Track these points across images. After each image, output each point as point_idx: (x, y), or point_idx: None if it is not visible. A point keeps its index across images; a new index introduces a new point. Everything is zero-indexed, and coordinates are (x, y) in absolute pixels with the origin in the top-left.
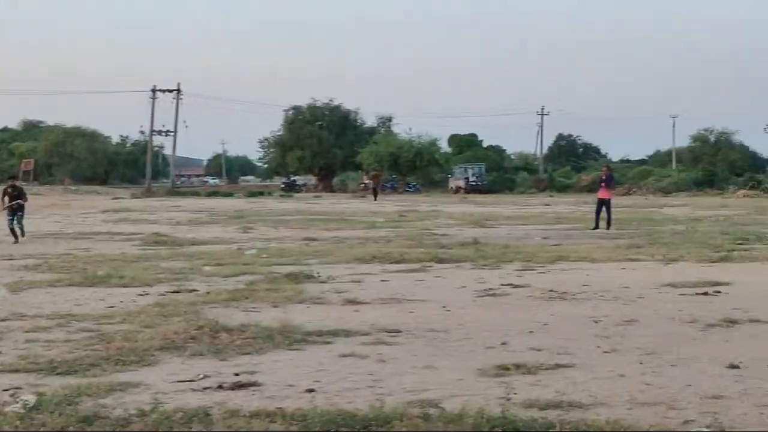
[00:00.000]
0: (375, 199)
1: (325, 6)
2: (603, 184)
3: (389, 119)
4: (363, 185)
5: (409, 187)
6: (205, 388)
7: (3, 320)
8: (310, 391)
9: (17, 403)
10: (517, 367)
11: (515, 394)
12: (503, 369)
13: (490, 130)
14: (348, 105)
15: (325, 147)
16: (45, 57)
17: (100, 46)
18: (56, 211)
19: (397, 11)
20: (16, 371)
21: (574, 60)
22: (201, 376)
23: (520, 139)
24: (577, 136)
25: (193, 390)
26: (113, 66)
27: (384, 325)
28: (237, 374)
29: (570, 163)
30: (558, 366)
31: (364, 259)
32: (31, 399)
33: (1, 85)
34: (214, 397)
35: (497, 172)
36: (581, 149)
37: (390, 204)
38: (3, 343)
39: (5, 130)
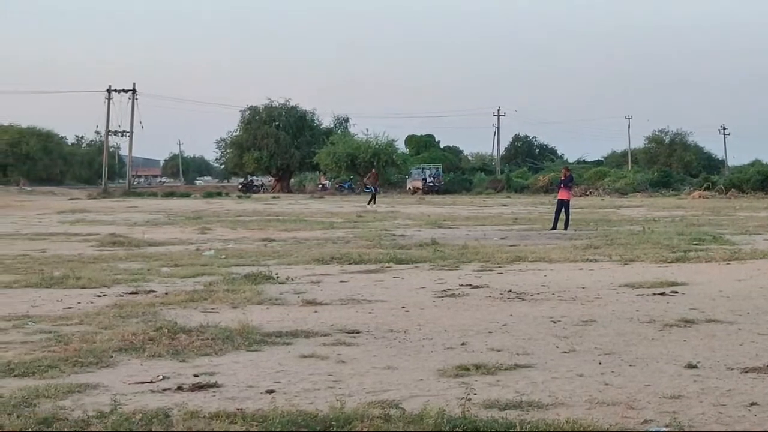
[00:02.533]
0: (375, 203)
1: (282, 6)
2: (562, 185)
3: (346, 120)
4: (321, 185)
5: (367, 188)
6: (165, 390)
7: None
8: (271, 392)
9: None
10: (477, 367)
11: (475, 394)
12: (463, 369)
13: (447, 131)
14: (304, 105)
15: (282, 147)
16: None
17: (55, 45)
18: (11, 212)
19: (356, 10)
20: None
21: (530, 61)
22: (160, 377)
23: (476, 140)
24: (534, 137)
25: (153, 391)
26: (70, 66)
27: (343, 326)
28: (196, 375)
29: (527, 164)
30: (517, 366)
31: (323, 259)
32: None
33: None
34: (173, 399)
35: (454, 173)
36: (538, 150)
37: (348, 204)
38: None
39: None
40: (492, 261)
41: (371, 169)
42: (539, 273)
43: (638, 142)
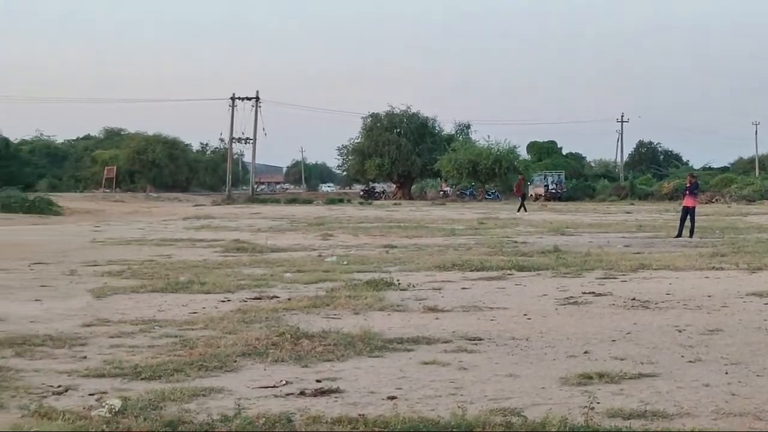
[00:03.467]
0: (525, 210)
1: (406, 14)
2: (687, 192)
3: (467, 126)
4: (442, 192)
5: (489, 195)
6: (287, 394)
7: (88, 326)
8: (392, 398)
9: (103, 407)
10: (600, 376)
11: (598, 403)
12: (586, 378)
13: (570, 138)
14: (426, 112)
15: (404, 154)
16: (126, 65)
17: (181, 55)
18: (139, 218)
19: (477, 21)
20: (102, 376)
21: (654, 67)
22: (283, 382)
23: (600, 147)
24: (658, 144)
25: (276, 396)
26: (194, 74)
27: (465, 333)
28: (319, 381)
29: (651, 171)
30: (641, 375)
31: (445, 266)
32: (117, 403)
33: (84, 93)
34: (296, 403)
35: (577, 180)
36: (662, 156)
37: (469, 211)
38: (88, 348)
39: (88, 137)
40: (615, 268)
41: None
42: (664, 281)
43: (766, 148)
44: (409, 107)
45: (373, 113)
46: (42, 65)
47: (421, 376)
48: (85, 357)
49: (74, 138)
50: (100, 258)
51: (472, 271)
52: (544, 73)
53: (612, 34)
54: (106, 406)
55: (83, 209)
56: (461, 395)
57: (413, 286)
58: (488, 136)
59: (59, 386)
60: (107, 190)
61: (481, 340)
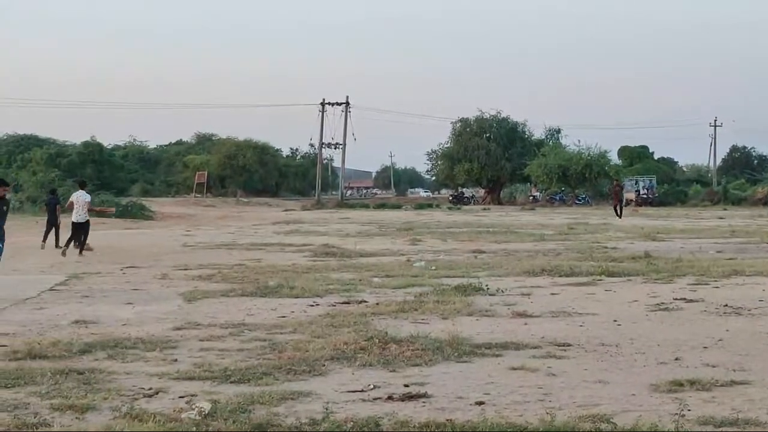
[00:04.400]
0: (619, 216)
1: (499, 17)
2: None
3: (558, 131)
4: (532, 197)
5: (579, 200)
6: (375, 399)
7: (179, 329)
8: (480, 403)
9: (193, 410)
10: (691, 383)
11: (689, 410)
12: (677, 385)
13: (661, 142)
14: (515, 117)
15: (493, 159)
16: (218, 71)
17: (272, 61)
18: (229, 223)
19: (569, 24)
20: (192, 379)
21: (747, 71)
22: (371, 386)
23: (692, 151)
24: (752, 148)
25: (363, 400)
26: (284, 80)
27: (554, 339)
28: (407, 385)
29: (744, 176)
30: (734, 383)
31: (534, 271)
32: (206, 406)
33: (176, 99)
34: (384, 408)
35: (668, 185)
36: (756, 161)
37: (559, 216)
38: (179, 351)
39: (180, 143)
40: (708, 275)
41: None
42: (757, 287)
43: None
44: (498, 112)
45: (463, 118)
46: (134, 72)
47: (510, 381)
48: (175, 360)
49: (166, 143)
50: (191, 262)
51: (561, 276)
52: (636, 77)
53: (706, 37)
54: (196, 409)
55: (175, 214)
56: (550, 401)
57: (502, 291)
58: (578, 141)
59: (150, 389)
60: (198, 195)
61: (570, 345)
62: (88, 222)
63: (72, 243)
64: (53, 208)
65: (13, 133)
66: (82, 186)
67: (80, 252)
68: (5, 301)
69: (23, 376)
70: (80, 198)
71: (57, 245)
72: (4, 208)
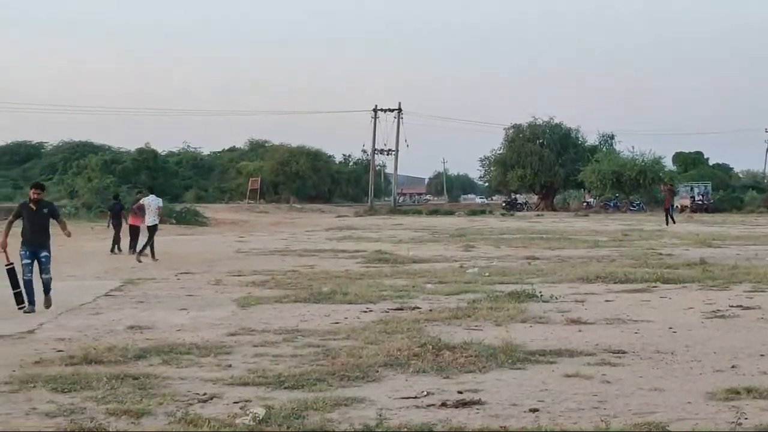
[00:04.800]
0: (673, 221)
1: (551, 23)
2: None
3: (611, 137)
4: (585, 203)
5: (633, 206)
6: (429, 405)
7: (233, 335)
8: (534, 410)
9: (247, 415)
10: (748, 391)
11: (746, 419)
12: (733, 393)
13: (717, 148)
14: (569, 123)
15: (546, 165)
16: (271, 78)
17: (324, 67)
18: (282, 229)
19: (618, 29)
20: (246, 384)
21: None
22: (425, 392)
23: (747, 157)
24: None
25: (417, 407)
26: (337, 86)
27: (608, 346)
28: (460, 392)
29: None
30: None
31: (588, 278)
32: (261, 412)
33: (229, 106)
34: (437, 415)
35: (724, 191)
36: None
37: (613, 223)
38: (233, 357)
39: (233, 149)
40: (764, 282)
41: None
42: None
43: None
44: (551, 118)
45: (516, 124)
46: (188, 78)
47: (564, 388)
48: (229, 365)
49: (220, 150)
50: (244, 268)
51: (615, 283)
52: (691, 82)
53: (763, 42)
54: (250, 415)
55: (228, 220)
56: (604, 409)
57: (556, 297)
58: (632, 147)
59: (205, 394)
60: (252, 201)
61: (625, 353)
62: (156, 226)
63: (149, 247)
64: (117, 213)
65: (69, 139)
66: (151, 191)
67: (153, 257)
68: (62, 306)
69: (79, 381)
70: (152, 203)
71: (112, 251)
72: (44, 210)
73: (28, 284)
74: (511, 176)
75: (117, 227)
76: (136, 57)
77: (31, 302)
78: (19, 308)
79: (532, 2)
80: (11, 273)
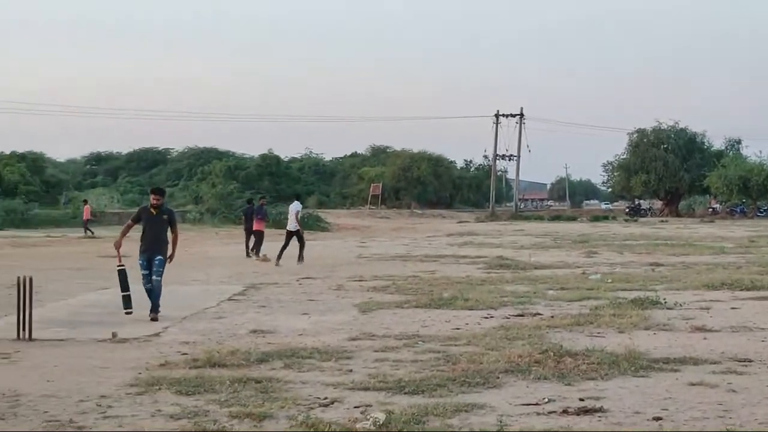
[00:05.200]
0: None
1: (670, 29)
2: None
3: (738, 141)
4: (711, 209)
5: (760, 212)
6: (550, 412)
7: (354, 339)
8: (658, 419)
9: (368, 420)
10: None
11: None
12: None
13: None
14: (694, 127)
15: (671, 170)
16: (391, 84)
17: (445, 73)
18: (404, 234)
19: (743, 34)
20: (366, 389)
21: None
22: (545, 399)
23: None
24: None
25: (538, 414)
26: (458, 92)
27: (734, 354)
28: (582, 399)
29: None
30: None
31: (713, 285)
32: (381, 417)
33: (352, 112)
34: (558, 422)
35: None
36: None
37: (739, 229)
38: (354, 361)
39: (355, 155)
40: None
41: None
42: None
43: None
44: (676, 122)
45: (640, 129)
46: (310, 84)
47: (688, 397)
48: (350, 370)
49: (341, 155)
50: (365, 273)
51: (742, 290)
52: None
53: None
54: (371, 419)
55: (350, 225)
56: (730, 418)
57: (680, 305)
58: (760, 152)
59: (326, 398)
60: (373, 207)
61: (751, 361)
62: (298, 231)
63: (284, 251)
64: (249, 216)
65: (194, 146)
66: (297, 198)
67: (299, 259)
68: (186, 310)
69: (203, 384)
70: (293, 208)
71: (248, 254)
72: (164, 216)
73: (149, 293)
74: (634, 182)
75: (249, 231)
76: (259, 65)
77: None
78: (126, 312)
79: (657, 2)
80: (122, 275)
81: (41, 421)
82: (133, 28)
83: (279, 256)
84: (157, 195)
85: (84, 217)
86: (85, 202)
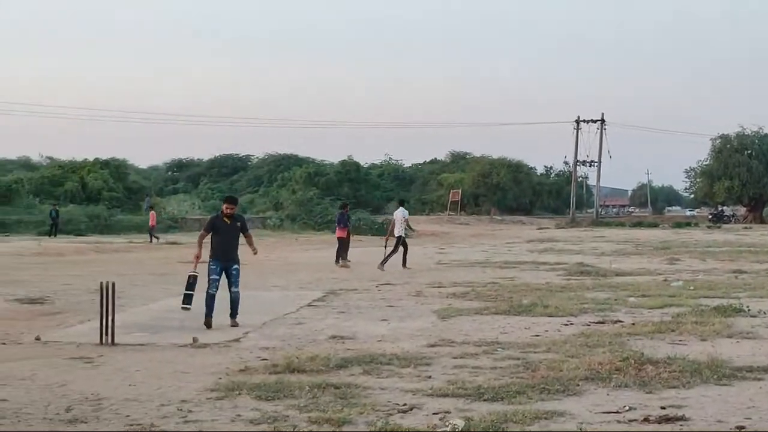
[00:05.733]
0: None
1: (753, 32)
2: None
3: None
4: None
5: None
6: (631, 420)
7: (432, 346)
8: (741, 428)
9: (446, 426)
10: None
11: None
12: None
13: None
14: None
15: (755, 177)
16: (472, 91)
17: (525, 79)
18: (483, 241)
19: None
20: (445, 396)
21: None
22: (626, 407)
23: None
24: None
25: (619, 422)
26: (538, 98)
27: None
28: (663, 407)
29: None
30: None
31: None
32: (460, 423)
33: (432, 119)
34: (639, 430)
35: None
36: None
37: None
38: (433, 368)
39: (434, 161)
40: None
41: None
42: None
43: None
44: (760, 128)
45: (723, 134)
46: (389, 92)
47: None
48: (429, 376)
49: (421, 162)
50: (444, 279)
51: None
52: None
53: None
54: (450, 426)
55: (429, 231)
56: None
57: (764, 312)
58: None
59: (404, 404)
60: (452, 213)
61: None
62: (401, 237)
63: (391, 257)
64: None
65: (274, 152)
66: (401, 204)
67: (404, 265)
68: (266, 315)
69: (282, 389)
70: (398, 214)
71: (337, 261)
72: (237, 224)
73: (212, 299)
74: (717, 188)
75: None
76: (339, 72)
77: (209, 315)
78: (183, 308)
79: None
80: (192, 278)
81: (123, 425)
82: (210, 36)
83: (384, 262)
84: (231, 204)
85: (150, 224)
86: (151, 208)
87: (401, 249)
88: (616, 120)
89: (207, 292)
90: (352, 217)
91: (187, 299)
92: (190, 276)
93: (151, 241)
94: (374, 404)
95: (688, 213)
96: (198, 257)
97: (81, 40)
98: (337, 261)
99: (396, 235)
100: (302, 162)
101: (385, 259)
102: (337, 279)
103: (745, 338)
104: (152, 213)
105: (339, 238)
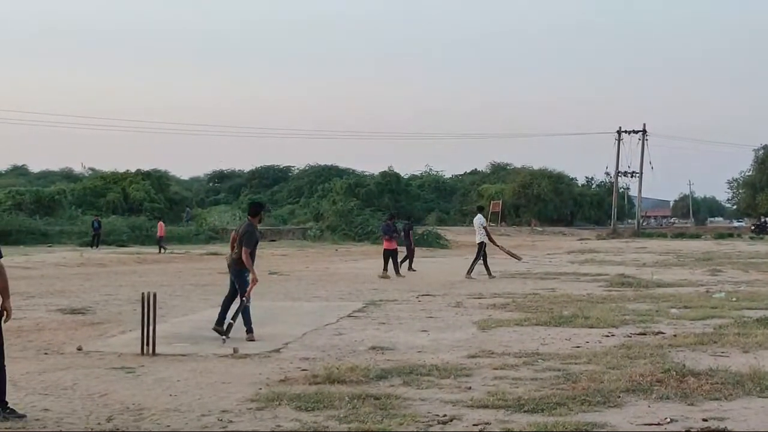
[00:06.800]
0: None
1: None
2: None
3: None
4: None
5: None
6: None
7: (473, 357)
8: None
9: None
10: None
11: None
12: None
13: None
14: None
15: None
16: (510, 101)
17: (566, 88)
18: (523, 252)
19: None
20: (485, 407)
21: None
22: (668, 419)
23: None
24: None
25: None
26: (580, 108)
27: None
28: (705, 420)
29: None
30: None
31: None
32: None
33: (472, 129)
34: None
35: None
36: None
37: None
38: (473, 379)
39: (474, 172)
40: None
41: None
42: None
43: None
44: None
45: (766, 145)
46: (429, 103)
47: None
48: (469, 387)
49: (461, 173)
50: (485, 290)
51: None
52: None
53: None
54: None
55: (469, 242)
56: None
57: None
58: None
59: (444, 415)
60: (493, 224)
61: None
62: (482, 243)
63: (476, 264)
64: (407, 233)
65: (315, 163)
66: (479, 210)
67: (468, 273)
68: (306, 326)
69: (322, 400)
70: (478, 221)
71: (397, 272)
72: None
73: (248, 311)
74: (760, 199)
75: (408, 246)
76: (378, 84)
77: (250, 330)
78: (221, 333)
79: None
80: (246, 309)
81: None
82: (250, 49)
83: (470, 270)
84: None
85: (158, 234)
86: (160, 219)
87: (481, 256)
88: (658, 131)
89: (245, 305)
90: (415, 229)
91: (230, 329)
92: (246, 306)
93: (159, 252)
94: (414, 415)
95: (735, 224)
96: (256, 281)
97: (124, 54)
98: (397, 272)
99: (477, 242)
100: (343, 173)
101: (471, 267)
102: (377, 290)
103: None
104: (160, 224)
105: (386, 250)
